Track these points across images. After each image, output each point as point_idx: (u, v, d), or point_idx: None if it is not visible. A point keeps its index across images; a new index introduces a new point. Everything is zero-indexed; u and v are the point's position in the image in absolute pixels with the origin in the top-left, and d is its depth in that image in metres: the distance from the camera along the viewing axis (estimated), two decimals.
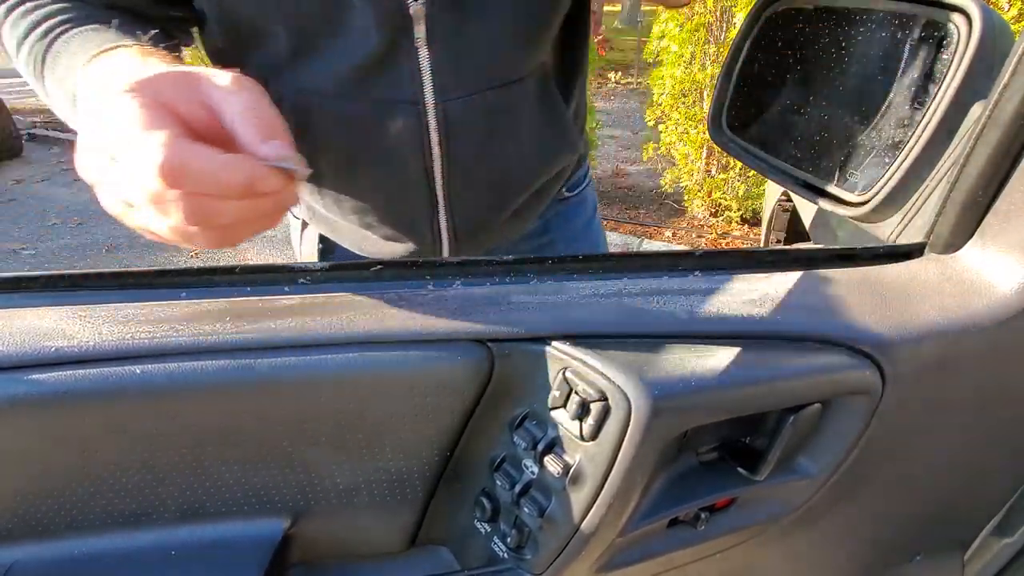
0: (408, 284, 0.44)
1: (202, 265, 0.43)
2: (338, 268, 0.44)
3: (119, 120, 0.37)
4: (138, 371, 0.36)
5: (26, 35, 0.57)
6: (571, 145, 0.81)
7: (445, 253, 0.78)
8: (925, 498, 0.61)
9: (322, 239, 0.85)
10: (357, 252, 0.83)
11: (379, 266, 0.45)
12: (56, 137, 5.81)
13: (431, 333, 0.40)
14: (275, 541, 0.42)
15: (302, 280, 0.43)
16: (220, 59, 0.69)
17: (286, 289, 0.43)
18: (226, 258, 3.64)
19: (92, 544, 0.41)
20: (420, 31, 0.61)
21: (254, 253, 3.70)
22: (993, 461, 0.60)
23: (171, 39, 0.63)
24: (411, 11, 0.60)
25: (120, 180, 0.38)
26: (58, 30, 0.55)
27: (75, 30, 0.55)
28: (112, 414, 0.37)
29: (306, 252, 0.88)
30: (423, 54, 0.63)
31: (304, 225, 0.87)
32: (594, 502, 0.40)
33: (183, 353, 0.37)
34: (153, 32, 0.53)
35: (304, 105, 0.66)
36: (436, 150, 0.68)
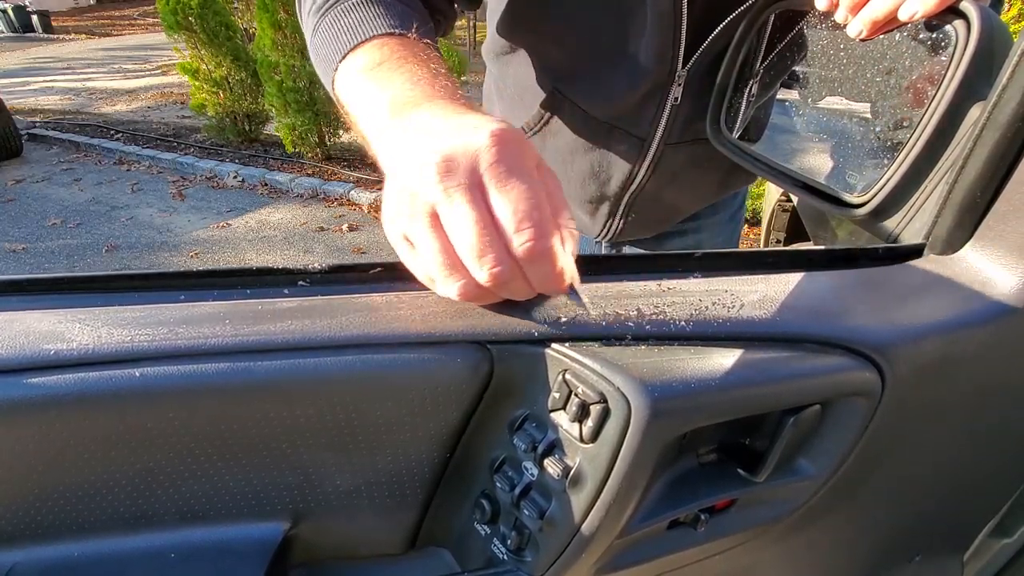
0: (408, 286, 0.44)
1: (201, 267, 0.43)
2: (337, 270, 0.44)
3: (515, 185, 0.36)
4: (137, 374, 0.36)
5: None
6: (748, 178, 0.95)
7: (604, 237, 0.96)
8: (925, 498, 0.61)
9: None
10: None
11: (378, 268, 0.45)
12: (56, 137, 5.81)
13: (431, 335, 0.40)
14: (275, 543, 0.42)
15: (301, 282, 0.43)
16: (504, 50, 0.83)
17: (285, 292, 0.43)
18: (226, 260, 3.64)
19: (92, 546, 0.41)
20: (676, 91, 0.74)
21: (254, 253, 3.70)
22: (992, 461, 0.60)
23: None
24: (676, 75, 0.73)
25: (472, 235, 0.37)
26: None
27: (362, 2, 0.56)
28: (112, 417, 0.37)
29: None
30: (668, 109, 0.76)
31: None
32: (594, 504, 0.40)
33: (183, 356, 0.37)
34: (418, 26, 0.55)
35: (559, 103, 0.81)
36: (640, 176, 0.83)
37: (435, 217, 0.37)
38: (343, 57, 0.53)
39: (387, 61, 0.50)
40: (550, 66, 0.79)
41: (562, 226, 0.39)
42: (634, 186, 0.85)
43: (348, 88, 0.51)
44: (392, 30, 0.53)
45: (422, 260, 0.39)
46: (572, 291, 0.41)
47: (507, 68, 0.85)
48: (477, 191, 0.36)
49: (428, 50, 0.52)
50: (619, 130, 0.79)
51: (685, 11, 0.67)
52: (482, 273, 0.36)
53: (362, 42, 0.52)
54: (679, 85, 0.73)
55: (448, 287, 0.38)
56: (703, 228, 1.01)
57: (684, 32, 0.68)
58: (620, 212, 0.90)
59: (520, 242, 0.36)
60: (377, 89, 0.47)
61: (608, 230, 0.93)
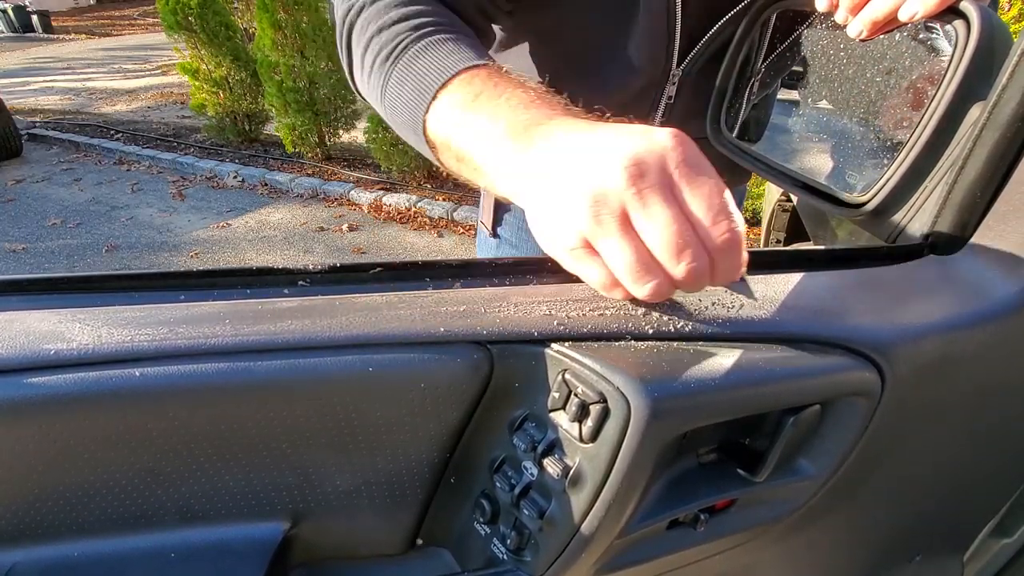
0: (408, 286, 0.44)
1: (202, 267, 0.43)
2: (337, 270, 0.44)
3: (704, 180, 0.37)
4: (138, 374, 0.36)
5: (375, 37, 0.57)
6: (745, 177, 0.96)
7: None
8: (925, 498, 0.61)
9: None
10: None
11: (378, 268, 0.45)
12: (56, 137, 5.81)
13: (431, 335, 0.40)
14: (275, 543, 0.42)
15: (301, 282, 0.43)
16: (500, 45, 0.81)
17: (285, 292, 0.43)
18: (226, 260, 3.64)
19: (92, 546, 0.41)
20: (670, 91, 0.75)
21: (254, 253, 3.70)
22: (992, 461, 0.60)
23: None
24: (671, 74, 0.74)
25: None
26: (427, 29, 0.56)
27: (441, 35, 0.55)
28: (112, 417, 0.37)
29: (488, 192, 1.01)
30: (663, 107, 0.76)
31: None
32: (593, 504, 0.40)
33: (183, 355, 0.37)
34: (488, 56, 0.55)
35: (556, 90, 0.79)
36: None
37: (626, 219, 0.38)
38: (434, 97, 0.52)
39: (484, 92, 0.49)
40: (543, 62, 0.79)
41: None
42: None
43: (449, 127, 0.51)
44: (475, 62, 0.52)
45: (612, 264, 0.39)
46: (742, 280, 0.43)
47: (503, 63, 0.85)
48: (669, 190, 0.37)
49: (513, 74, 0.52)
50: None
51: (679, 12, 0.67)
52: (680, 268, 0.38)
53: (449, 80, 0.51)
54: (673, 84, 0.74)
55: (641, 288, 0.39)
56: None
57: (678, 33, 0.69)
58: None
59: (718, 233, 0.37)
60: (487, 120, 0.47)
61: None
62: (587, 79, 0.77)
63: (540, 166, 0.41)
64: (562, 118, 0.45)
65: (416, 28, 0.56)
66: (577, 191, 0.38)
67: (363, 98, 0.64)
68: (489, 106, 0.48)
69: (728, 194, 0.38)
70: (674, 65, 0.72)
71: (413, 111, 0.53)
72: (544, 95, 0.48)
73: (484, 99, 0.49)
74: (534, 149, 0.43)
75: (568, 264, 0.42)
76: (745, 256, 0.40)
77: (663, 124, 0.77)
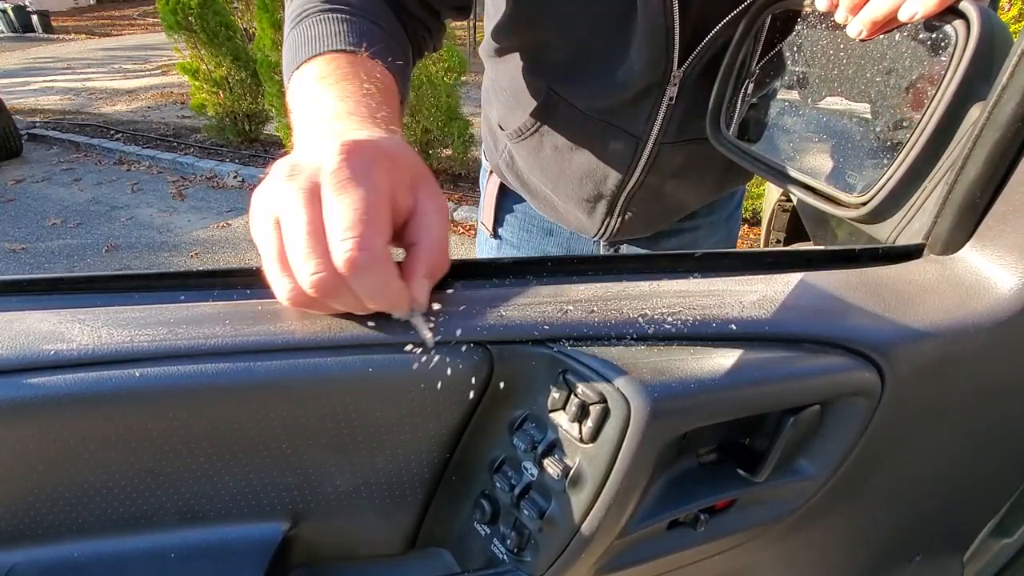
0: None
1: (201, 268, 0.43)
2: None
3: (349, 194, 0.36)
4: (137, 374, 0.36)
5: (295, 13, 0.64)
6: (746, 177, 0.95)
7: (602, 236, 0.95)
8: (925, 498, 0.61)
9: (502, 188, 1.04)
10: (531, 203, 1.01)
11: None
12: (56, 137, 5.81)
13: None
14: (275, 543, 0.42)
15: None
16: (499, 52, 0.82)
17: None
18: (226, 260, 3.64)
19: (92, 547, 0.41)
20: (671, 91, 0.74)
21: (254, 253, 3.70)
22: (992, 462, 0.60)
23: (414, 43, 0.72)
24: (672, 75, 0.73)
25: (301, 225, 0.36)
26: (327, 6, 0.61)
27: (334, 14, 0.60)
28: (112, 417, 0.37)
29: (488, 193, 1.07)
30: (664, 108, 0.76)
31: (490, 173, 1.06)
32: (594, 504, 0.40)
33: (183, 356, 0.37)
34: (381, 46, 0.58)
35: (554, 102, 0.81)
36: (636, 174, 0.83)
37: (277, 222, 0.37)
38: (297, 67, 0.56)
39: (329, 76, 0.53)
40: (544, 67, 0.80)
41: (416, 246, 0.39)
42: (631, 185, 0.85)
43: (292, 95, 0.55)
44: (344, 47, 0.56)
45: (262, 252, 0.39)
46: (414, 314, 0.40)
47: (503, 69, 0.86)
48: (313, 196, 0.36)
49: (373, 69, 0.55)
50: (614, 128, 0.80)
51: (677, 15, 0.67)
52: (304, 279, 0.36)
53: (313, 56, 0.56)
54: (675, 86, 0.74)
55: (279, 290, 0.38)
56: (700, 227, 1.01)
57: (677, 35, 0.69)
58: (617, 211, 0.90)
59: (340, 251, 0.35)
60: (309, 100, 0.50)
61: (605, 229, 0.94)
62: (587, 83, 0.77)
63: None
64: (350, 118, 0.46)
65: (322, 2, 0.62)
66: (262, 187, 0.40)
67: None
68: (320, 89, 0.51)
69: (377, 215, 0.36)
70: (675, 67, 0.72)
71: (285, 73, 0.60)
72: (369, 95, 0.50)
73: (323, 82, 0.52)
74: (304, 137, 0.45)
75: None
76: (400, 289, 0.38)
77: (665, 126, 0.77)
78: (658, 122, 0.77)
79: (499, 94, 0.91)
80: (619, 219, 0.91)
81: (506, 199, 1.06)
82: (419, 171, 0.41)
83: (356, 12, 0.62)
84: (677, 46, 0.70)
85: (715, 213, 1.02)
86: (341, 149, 0.37)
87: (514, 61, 0.82)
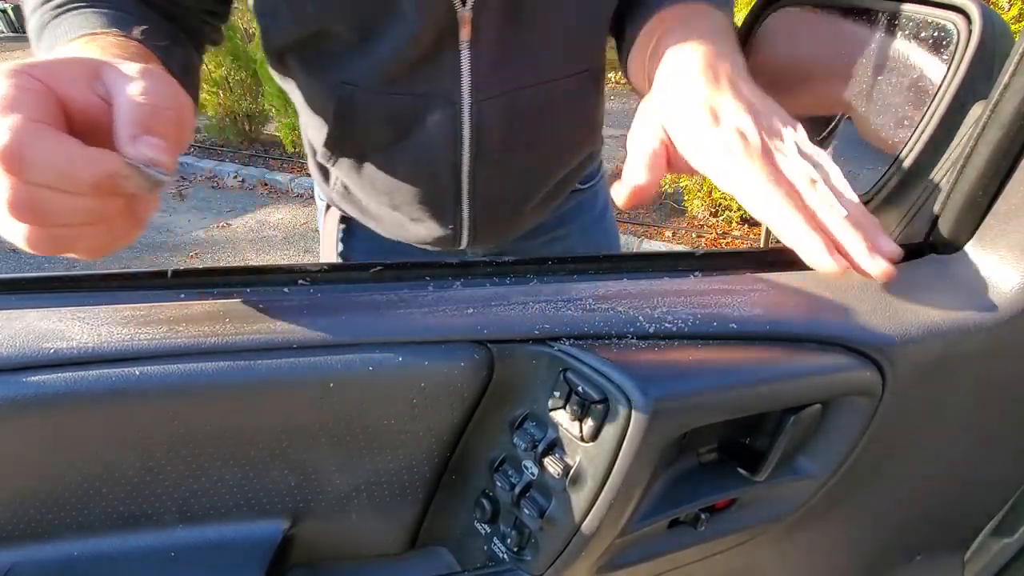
0: (408, 285, 0.44)
1: (201, 266, 0.43)
2: (337, 269, 0.44)
3: None
4: (137, 372, 0.36)
5: (39, 5, 0.57)
6: (594, 139, 0.86)
7: (464, 241, 0.83)
8: (925, 498, 0.61)
9: (343, 219, 0.92)
10: (380, 233, 0.88)
11: (379, 267, 0.45)
12: None
13: (431, 334, 0.40)
14: (275, 542, 0.42)
15: (301, 281, 0.43)
16: (278, 57, 0.73)
17: (285, 290, 0.43)
18: (226, 261, 3.64)
19: (92, 545, 0.41)
20: (465, 34, 0.64)
21: (254, 253, 3.70)
22: (993, 461, 0.60)
23: (195, 36, 0.66)
24: (458, 15, 0.62)
25: None
26: (67, 6, 0.55)
27: (79, 11, 0.54)
28: (111, 416, 0.37)
29: (328, 230, 0.94)
30: (465, 55, 0.65)
31: (328, 207, 0.93)
32: (594, 503, 0.40)
33: (182, 354, 0.37)
34: (144, 28, 0.52)
35: (349, 95, 0.69)
36: (466, 144, 0.71)
37: None
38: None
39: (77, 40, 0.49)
40: (329, 64, 0.69)
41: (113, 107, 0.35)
42: (466, 162, 0.73)
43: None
44: (107, 29, 0.51)
45: None
46: (142, 169, 0.34)
47: (293, 87, 0.76)
48: None
49: (128, 43, 0.50)
50: (422, 97, 0.69)
51: None
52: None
53: (72, 40, 0.50)
54: (466, 27, 0.64)
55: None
56: (572, 233, 0.95)
57: None
58: (466, 202, 0.78)
59: None
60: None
61: (463, 229, 0.81)
62: (375, 56, 0.66)
63: None
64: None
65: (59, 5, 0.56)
66: None
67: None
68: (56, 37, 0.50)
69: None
70: (458, 4, 0.61)
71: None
72: (105, 38, 0.49)
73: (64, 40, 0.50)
74: None
75: None
76: (92, 153, 0.34)
77: (476, 80, 0.67)
78: (464, 75, 0.67)
79: (304, 118, 0.80)
80: (472, 212, 0.79)
81: (350, 236, 0.93)
82: (95, 62, 0.37)
83: (104, 3, 0.55)
84: None
85: (584, 214, 0.95)
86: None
87: (300, 72, 0.72)
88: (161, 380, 0.36)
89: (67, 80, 0.36)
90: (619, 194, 0.50)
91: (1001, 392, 0.53)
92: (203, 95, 5.07)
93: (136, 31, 0.52)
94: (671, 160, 0.51)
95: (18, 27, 15.10)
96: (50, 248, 0.36)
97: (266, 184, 4.61)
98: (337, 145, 0.76)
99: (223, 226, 4.08)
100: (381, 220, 0.86)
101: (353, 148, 0.77)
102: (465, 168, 0.74)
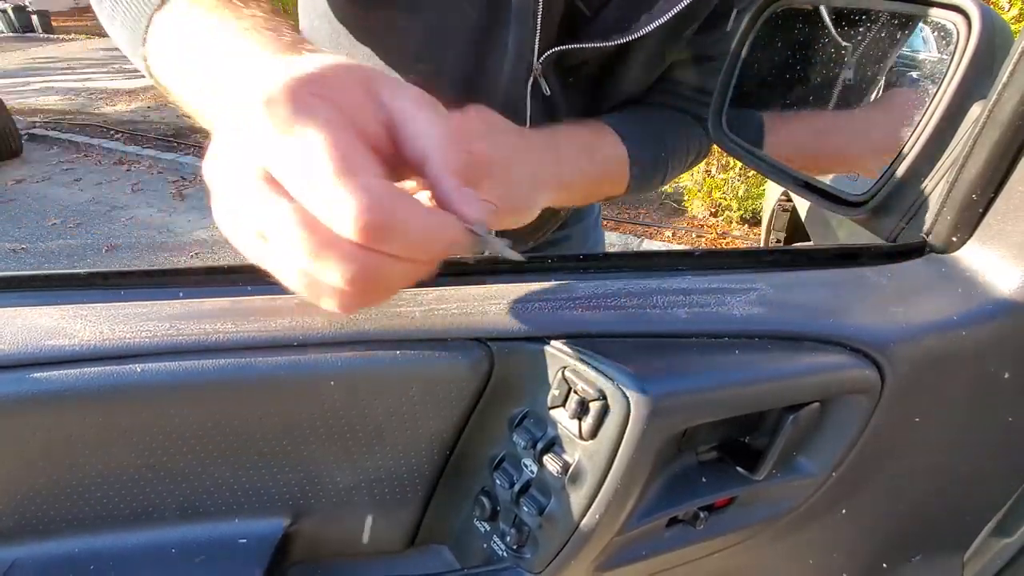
0: None
1: (202, 264, 0.43)
2: None
3: (296, 141, 0.27)
4: (138, 370, 0.36)
5: None
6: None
7: None
8: (925, 498, 0.61)
9: None
10: None
11: None
12: (56, 137, 5.81)
13: (431, 332, 0.40)
14: (275, 540, 0.42)
15: None
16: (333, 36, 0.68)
17: (285, 289, 0.43)
18: (226, 261, 3.64)
19: (92, 543, 0.41)
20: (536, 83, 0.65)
21: None
22: (993, 461, 0.60)
23: None
24: (533, 67, 0.63)
25: (265, 210, 0.28)
26: None
27: None
28: (112, 413, 0.37)
29: None
30: (529, 103, 0.66)
31: None
32: (593, 501, 0.40)
33: (183, 352, 0.37)
34: None
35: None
36: None
37: (259, 235, 0.30)
38: (146, 31, 0.42)
39: (199, 20, 0.39)
40: (390, 57, 0.66)
41: (425, 160, 0.31)
42: None
43: (162, 59, 0.42)
44: None
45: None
46: (483, 236, 0.32)
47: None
48: (265, 181, 0.28)
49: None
50: None
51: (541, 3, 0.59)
52: (336, 282, 0.29)
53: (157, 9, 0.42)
54: (538, 77, 0.64)
55: (328, 304, 0.32)
56: (572, 236, 0.97)
57: (540, 25, 0.61)
58: None
59: (345, 224, 0.27)
60: (189, 50, 0.38)
61: None
62: (444, 72, 0.65)
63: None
64: (243, 64, 0.34)
65: None
66: (214, 194, 0.31)
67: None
68: (194, 37, 0.39)
69: (352, 148, 0.28)
70: (535, 58, 0.62)
71: (132, 38, 0.44)
72: (254, 30, 0.37)
73: (196, 27, 0.39)
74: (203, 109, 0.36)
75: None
76: (447, 220, 0.30)
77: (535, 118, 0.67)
78: (527, 114, 0.67)
79: None
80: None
81: None
82: (366, 75, 0.32)
83: None
84: (539, 29, 0.60)
85: (583, 220, 0.98)
86: (260, 101, 0.28)
87: (349, 51, 0.67)
88: (162, 377, 0.37)
89: (356, 107, 0.30)
90: None
91: (1000, 391, 0.53)
92: None
93: None
94: None
95: (18, 27, 15.11)
96: (352, 308, 0.31)
97: None
98: None
99: None
100: None
101: None
102: None
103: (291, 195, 0.27)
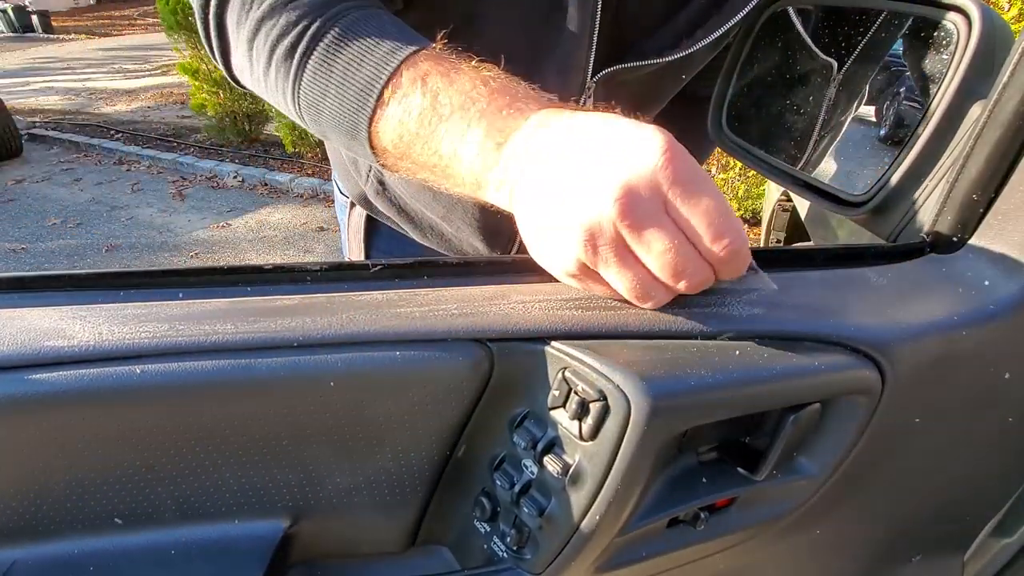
0: (408, 283, 0.44)
1: (201, 265, 0.43)
2: (338, 268, 0.44)
3: (697, 187, 0.36)
4: (138, 371, 0.36)
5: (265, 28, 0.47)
6: None
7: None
8: (925, 498, 0.60)
9: (369, 220, 0.90)
10: (410, 234, 0.86)
11: (379, 267, 0.45)
12: (56, 137, 5.81)
13: (431, 333, 0.40)
14: (275, 541, 0.42)
15: (302, 280, 0.43)
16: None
17: (286, 289, 0.43)
18: (226, 261, 3.64)
19: (92, 544, 0.41)
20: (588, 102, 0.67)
21: (254, 253, 3.70)
22: (993, 461, 0.60)
23: None
24: (587, 86, 0.64)
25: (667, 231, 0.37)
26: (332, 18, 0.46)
27: (356, 14, 0.46)
28: (112, 414, 0.37)
29: (353, 230, 0.93)
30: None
31: (352, 206, 0.91)
32: (593, 502, 0.40)
33: (183, 353, 0.37)
34: (444, 32, 0.48)
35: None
36: None
37: (624, 248, 0.38)
38: (379, 99, 0.44)
39: (442, 89, 0.43)
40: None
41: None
42: None
43: (407, 137, 0.45)
44: (413, 47, 0.45)
45: (614, 286, 0.40)
46: (753, 270, 0.43)
47: None
48: (664, 215, 0.37)
49: (457, 57, 0.46)
50: None
51: (599, 18, 0.60)
52: (683, 285, 0.39)
53: (392, 75, 0.44)
54: (590, 95, 0.67)
55: (644, 304, 0.41)
56: None
57: (595, 44, 0.62)
58: (519, 239, 0.78)
59: (720, 248, 0.37)
60: (458, 124, 0.42)
61: (510, 249, 0.83)
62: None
63: (528, 184, 0.40)
64: (538, 114, 0.42)
65: (323, 5, 0.46)
66: (570, 223, 0.37)
67: (243, 87, 0.54)
68: (455, 104, 0.43)
69: (725, 201, 0.37)
70: (588, 76, 0.64)
71: (353, 116, 0.46)
72: (505, 82, 0.44)
73: (445, 97, 0.43)
74: (519, 159, 0.40)
75: (568, 283, 0.43)
76: (747, 254, 0.39)
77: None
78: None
79: None
80: (520, 245, 0.79)
81: (378, 236, 0.91)
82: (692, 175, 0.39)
83: (361, 3, 0.48)
84: (593, 56, 0.62)
85: None
86: (666, 158, 0.36)
87: None
88: (161, 378, 0.37)
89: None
90: None
91: (1001, 391, 0.53)
92: (203, 95, 5.07)
93: (439, 42, 0.47)
94: None
95: (18, 27, 15.11)
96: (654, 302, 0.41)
97: (266, 184, 4.61)
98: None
99: (223, 226, 4.08)
100: (420, 224, 0.84)
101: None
102: None
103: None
